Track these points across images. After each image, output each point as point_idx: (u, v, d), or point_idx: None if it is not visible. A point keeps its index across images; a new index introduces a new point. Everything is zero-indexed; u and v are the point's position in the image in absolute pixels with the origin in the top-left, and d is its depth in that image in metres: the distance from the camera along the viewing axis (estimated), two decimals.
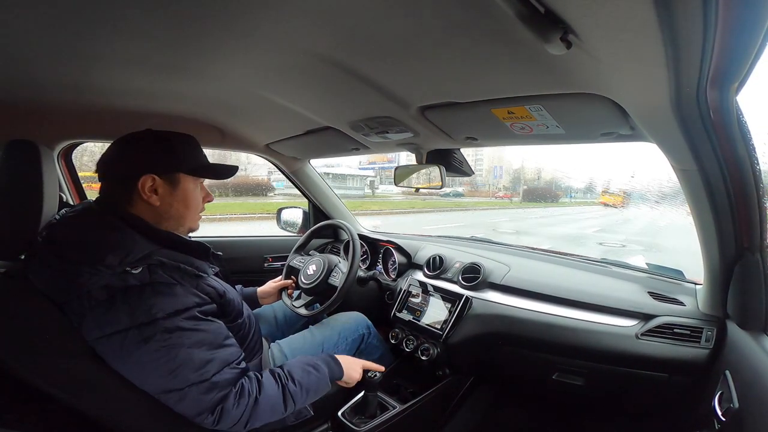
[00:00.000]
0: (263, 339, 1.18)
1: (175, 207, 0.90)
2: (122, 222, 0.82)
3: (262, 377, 0.88)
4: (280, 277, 1.49)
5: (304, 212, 2.15)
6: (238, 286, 1.35)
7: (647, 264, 1.46)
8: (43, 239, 0.80)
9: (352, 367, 1.10)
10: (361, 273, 1.58)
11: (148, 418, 0.79)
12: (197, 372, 0.77)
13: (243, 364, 0.87)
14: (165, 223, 0.89)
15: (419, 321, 1.44)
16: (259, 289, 1.42)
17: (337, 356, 1.08)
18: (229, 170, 0.99)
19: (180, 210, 0.91)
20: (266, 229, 2.37)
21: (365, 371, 1.15)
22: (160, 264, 0.81)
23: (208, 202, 0.99)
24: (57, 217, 0.85)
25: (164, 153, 0.88)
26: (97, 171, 0.89)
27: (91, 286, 0.73)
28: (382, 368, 1.18)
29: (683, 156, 0.79)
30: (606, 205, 23.15)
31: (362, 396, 1.22)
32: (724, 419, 0.80)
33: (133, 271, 0.77)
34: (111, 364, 0.75)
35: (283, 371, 0.92)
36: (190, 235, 1.00)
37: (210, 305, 0.86)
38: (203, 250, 0.92)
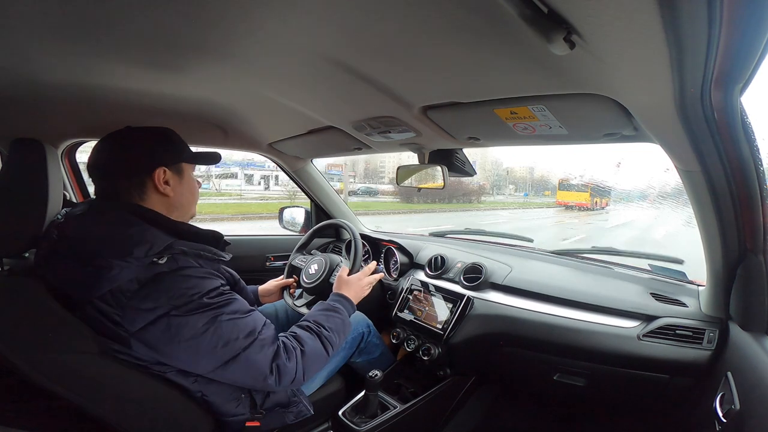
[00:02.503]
0: None
1: (184, 196, 0.94)
2: (138, 217, 0.83)
3: (297, 333, 0.95)
4: (282, 276, 1.50)
5: (306, 211, 2.15)
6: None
7: (650, 265, 1.45)
8: (58, 237, 0.80)
9: (359, 292, 1.18)
10: None
11: (148, 417, 0.79)
12: (245, 336, 0.82)
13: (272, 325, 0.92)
14: (175, 212, 0.92)
15: (420, 321, 1.44)
16: (261, 288, 1.42)
17: (342, 292, 1.15)
18: (216, 156, 1.05)
19: (188, 197, 0.96)
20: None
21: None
22: (182, 252, 0.83)
23: (199, 187, 1.04)
24: (59, 216, 0.86)
25: (168, 145, 0.91)
26: (92, 172, 0.89)
27: (122, 279, 0.75)
28: (381, 274, 1.28)
29: (687, 157, 0.79)
30: (567, 206, 19.13)
31: (363, 396, 1.22)
32: (725, 421, 0.80)
33: (160, 261, 0.79)
34: (162, 350, 0.77)
35: (311, 322, 0.99)
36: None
37: (227, 286, 0.90)
38: (216, 237, 0.95)
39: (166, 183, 0.89)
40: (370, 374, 1.17)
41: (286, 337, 0.91)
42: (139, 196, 0.87)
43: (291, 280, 1.47)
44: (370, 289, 1.22)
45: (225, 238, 0.97)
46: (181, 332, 0.76)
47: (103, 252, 0.76)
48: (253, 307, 0.90)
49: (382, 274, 1.27)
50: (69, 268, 0.77)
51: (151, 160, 0.87)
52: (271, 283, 1.44)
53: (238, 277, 1.02)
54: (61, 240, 0.80)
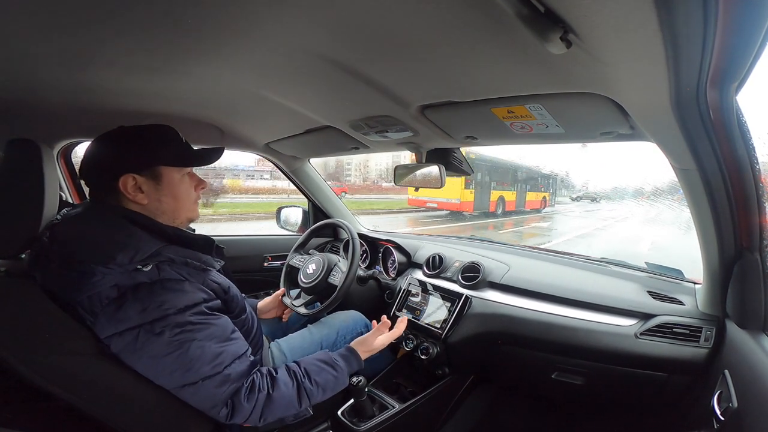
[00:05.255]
0: (263, 337, 1.18)
1: (165, 202, 0.88)
2: (126, 220, 0.82)
3: (276, 374, 0.89)
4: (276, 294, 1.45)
5: (304, 211, 2.15)
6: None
7: (647, 263, 1.46)
8: (48, 239, 0.80)
9: (373, 349, 1.12)
10: (360, 272, 1.59)
11: (147, 417, 0.79)
12: (210, 365, 0.78)
13: (252, 357, 0.88)
14: (159, 218, 0.88)
15: (419, 320, 1.44)
16: (259, 304, 1.38)
17: (355, 345, 1.09)
18: (213, 154, 0.97)
19: (170, 204, 0.89)
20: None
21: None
22: (169, 261, 0.81)
23: (202, 189, 0.97)
24: (58, 216, 0.85)
25: (138, 149, 0.85)
26: (80, 175, 0.88)
27: (102, 285, 0.74)
28: (402, 328, 1.23)
29: (683, 156, 0.79)
30: (447, 209, 10.62)
31: (353, 403, 1.22)
32: (723, 418, 0.80)
33: (144, 269, 0.77)
34: (126, 360, 0.75)
35: (300, 369, 0.93)
36: (193, 227, 1.00)
37: (215, 301, 0.87)
38: (207, 243, 0.93)
39: (139, 190, 0.84)
40: (352, 381, 1.15)
41: (260, 375, 0.86)
42: (116, 202, 0.84)
43: (283, 289, 1.45)
44: (384, 346, 1.15)
45: (217, 242, 0.94)
46: (145, 349, 0.74)
47: (86, 257, 0.75)
48: (234, 335, 0.86)
49: (398, 331, 1.21)
50: (55, 270, 0.76)
51: (116, 167, 0.83)
52: (267, 300, 1.41)
53: (229, 284, 0.94)
54: (51, 242, 0.79)
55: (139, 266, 0.77)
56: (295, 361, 0.96)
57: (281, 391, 0.87)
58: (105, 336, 0.74)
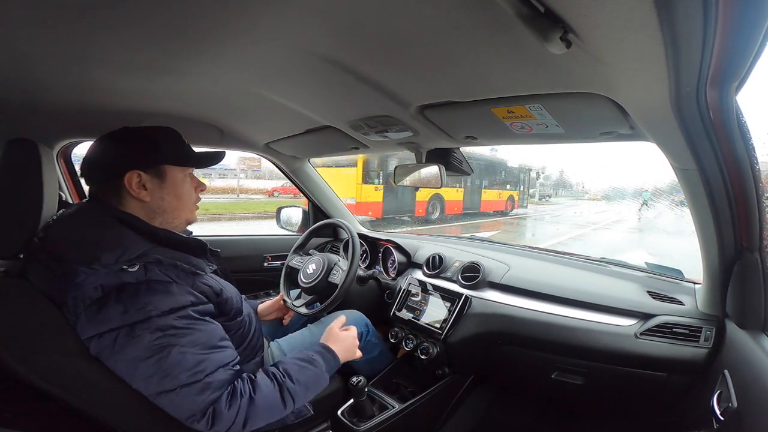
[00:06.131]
0: (264, 338, 1.17)
1: (167, 200, 0.89)
2: (116, 221, 0.81)
3: (255, 377, 0.86)
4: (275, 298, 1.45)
5: (304, 211, 2.15)
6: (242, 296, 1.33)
7: (646, 263, 1.46)
8: (39, 239, 0.80)
9: (349, 351, 1.10)
10: (360, 272, 1.59)
11: (147, 417, 0.79)
12: (189, 372, 0.75)
13: (238, 367, 0.85)
14: (159, 217, 0.88)
15: (419, 320, 1.44)
16: (260, 307, 1.38)
17: (330, 344, 1.05)
18: (216, 156, 0.99)
19: (172, 202, 0.90)
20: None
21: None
22: (156, 262, 0.80)
23: (202, 191, 0.98)
24: (54, 217, 0.85)
25: (145, 147, 0.87)
26: (81, 173, 0.88)
27: (86, 286, 0.73)
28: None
29: (683, 156, 0.79)
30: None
31: (353, 403, 1.22)
32: (722, 418, 0.80)
33: (130, 269, 0.76)
34: (106, 363, 0.74)
35: (279, 369, 0.91)
36: (189, 228, 1.00)
37: (206, 305, 0.85)
38: (200, 247, 0.92)
39: (143, 187, 0.85)
40: (352, 381, 1.16)
41: (241, 381, 0.82)
42: (117, 200, 0.84)
43: (282, 293, 1.45)
44: (356, 349, 1.13)
45: (216, 243, 0.94)
46: (124, 350, 0.72)
47: (71, 257, 0.75)
48: (222, 344, 0.82)
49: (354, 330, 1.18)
50: (43, 271, 0.76)
51: (122, 164, 0.83)
52: (268, 303, 1.41)
53: (222, 287, 0.92)
54: (42, 243, 0.79)
55: (125, 266, 0.76)
56: (273, 365, 0.93)
57: (263, 394, 0.83)
58: (86, 337, 0.73)
